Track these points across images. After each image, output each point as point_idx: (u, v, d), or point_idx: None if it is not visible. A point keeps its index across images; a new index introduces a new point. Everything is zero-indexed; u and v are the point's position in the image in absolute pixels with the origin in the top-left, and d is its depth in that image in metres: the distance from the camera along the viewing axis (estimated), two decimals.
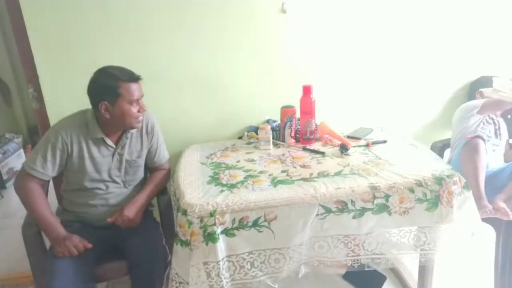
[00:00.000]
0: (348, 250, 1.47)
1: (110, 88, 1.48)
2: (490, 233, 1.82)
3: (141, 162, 1.71)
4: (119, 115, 1.51)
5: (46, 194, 1.63)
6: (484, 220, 1.81)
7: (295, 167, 1.64)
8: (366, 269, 1.54)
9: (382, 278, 2.03)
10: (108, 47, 1.89)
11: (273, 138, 1.93)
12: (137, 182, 1.72)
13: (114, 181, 1.64)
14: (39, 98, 1.91)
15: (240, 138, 2.12)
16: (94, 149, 1.58)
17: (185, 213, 1.33)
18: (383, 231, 1.47)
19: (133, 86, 1.51)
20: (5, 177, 3.50)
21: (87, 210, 1.62)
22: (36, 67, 1.86)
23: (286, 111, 1.94)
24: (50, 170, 1.55)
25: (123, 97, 1.49)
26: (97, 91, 1.51)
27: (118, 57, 1.89)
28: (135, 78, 1.52)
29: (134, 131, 1.65)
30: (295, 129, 1.98)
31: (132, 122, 1.55)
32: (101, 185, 1.62)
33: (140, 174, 1.73)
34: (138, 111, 1.55)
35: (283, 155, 1.80)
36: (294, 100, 1.94)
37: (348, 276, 2.04)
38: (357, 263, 1.50)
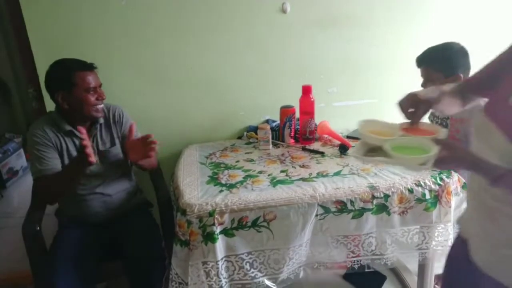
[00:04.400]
0: (348, 251, 1.47)
1: (64, 78, 1.51)
2: None
3: (116, 151, 1.69)
4: (77, 104, 1.53)
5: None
6: None
7: (294, 167, 1.64)
8: (366, 270, 1.53)
9: (382, 278, 2.03)
10: (108, 48, 1.89)
11: (272, 138, 1.93)
12: (119, 171, 1.70)
13: (92, 173, 1.62)
14: (39, 98, 1.91)
15: (239, 138, 2.12)
16: (69, 144, 1.60)
17: (184, 213, 1.34)
18: (383, 231, 1.47)
19: (88, 75, 1.53)
20: (5, 177, 3.49)
21: (77, 205, 1.63)
22: (36, 67, 1.86)
23: (286, 111, 1.94)
24: (53, 164, 1.55)
25: (78, 86, 1.51)
26: (52, 82, 1.54)
27: (118, 57, 1.89)
28: (89, 67, 1.55)
29: (102, 121, 1.66)
30: (295, 129, 1.98)
31: (90, 110, 1.56)
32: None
33: (121, 164, 1.71)
34: (97, 99, 1.56)
35: (282, 155, 1.81)
36: (294, 100, 1.94)
37: (348, 276, 2.04)
38: (357, 264, 1.51)
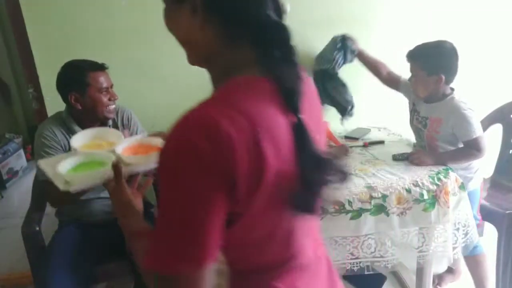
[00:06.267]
0: (347, 253, 1.47)
1: (78, 79, 1.51)
2: (491, 232, 1.83)
3: None
4: (90, 104, 1.53)
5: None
6: (486, 219, 1.81)
7: None
8: (366, 272, 1.53)
9: (382, 278, 2.03)
10: (108, 48, 1.90)
11: None
12: None
13: None
14: (39, 98, 1.91)
15: None
16: None
17: None
18: (382, 233, 1.47)
19: (101, 75, 1.54)
20: (5, 177, 3.49)
21: (80, 207, 1.62)
22: (36, 67, 1.87)
23: None
24: None
25: (92, 86, 1.52)
26: (65, 83, 1.54)
27: (118, 57, 1.89)
28: (101, 68, 1.56)
29: (110, 124, 1.65)
30: None
31: (103, 111, 1.56)
32: None
33: None
34: (109, 99, 1.57)
35: None
36: None
37: (348, 276, 2.04)
38: (356, 266, 1.50)
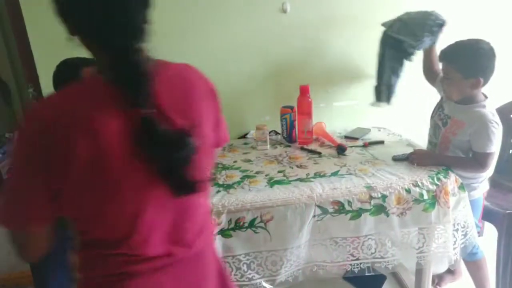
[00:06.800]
0: (347, 254, 1.47)
1: (73, 75, 1.50)
2: (491, 232, 1.83)
3: None
4: None
5: None
6: (486, 219, 1.81)
7: (292, 167, 1.64)
8: (366, 274, 1.52)
9: (382, 278, 2.03)
10: None
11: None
12: None
13: None
14: (39, 98, 1.92)
15: (243, 137, 2.12)
16: None
17: None
18: (382, 233, 1.47)
19: None
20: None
21: None
22: (36, 67, 1.87)
23: (285, 111, 1.95)
24: None
25: None
26: (61, 81, 1.53)
27: None
28: (94, 63, 1.55)
29: None
30: (289, 128, 1.97)
31: None
32: None
33: None
34: None
35: (280, 155, 1.81)
36: (294, 100, 1.94)
37: (348, 276, 2.04)
38: (357, 267, 1.50)
